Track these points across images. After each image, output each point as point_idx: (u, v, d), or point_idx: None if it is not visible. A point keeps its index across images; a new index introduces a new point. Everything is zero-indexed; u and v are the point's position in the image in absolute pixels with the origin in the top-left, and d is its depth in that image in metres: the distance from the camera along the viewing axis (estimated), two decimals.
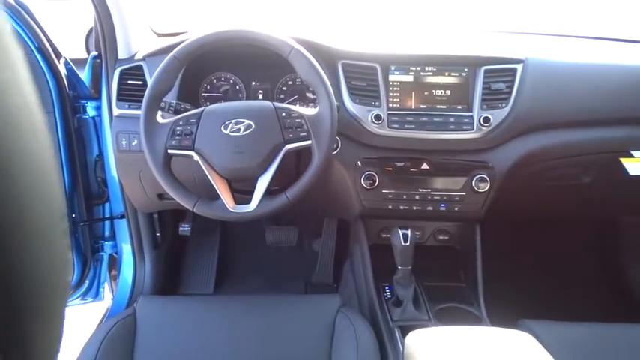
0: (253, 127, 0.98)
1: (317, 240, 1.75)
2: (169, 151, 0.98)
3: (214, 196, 0.99)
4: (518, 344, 0.70)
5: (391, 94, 1.19)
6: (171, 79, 0.98)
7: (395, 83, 1.20)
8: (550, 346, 0.93)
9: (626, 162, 1.20)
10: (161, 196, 1.32)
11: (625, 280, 1.56)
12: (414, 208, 1.18)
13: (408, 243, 1.10)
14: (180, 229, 1.57)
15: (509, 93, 1.17)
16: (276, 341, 0.94)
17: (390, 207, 1.19)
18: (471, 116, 1.16)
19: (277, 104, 1.01)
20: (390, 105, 1.18)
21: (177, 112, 1.10)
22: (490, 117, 1.15)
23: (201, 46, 0.98)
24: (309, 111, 1.01)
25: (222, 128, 0.98)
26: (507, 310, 1.04)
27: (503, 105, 1.16)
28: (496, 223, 1.27)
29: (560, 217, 1.46)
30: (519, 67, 1.19)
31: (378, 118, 1.15)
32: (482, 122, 1.15)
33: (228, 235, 1.80)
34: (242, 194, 1.03)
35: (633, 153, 1.22)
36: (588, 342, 0.97)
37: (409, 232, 1.11)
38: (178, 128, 0.99)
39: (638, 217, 1.51)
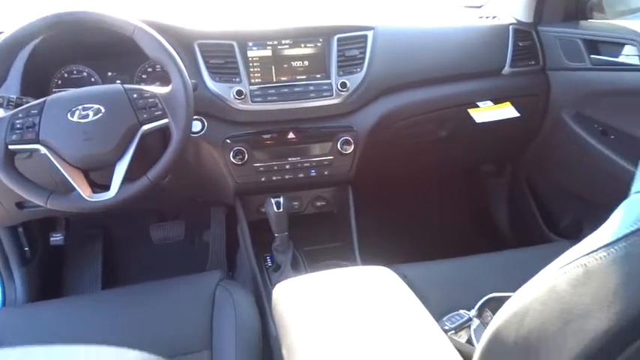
0: (103, 111, 0.95)
1: (207, 231, 1.73)
2: (10, 147, 0.92)
3: (70, 189, 0.94)
4: (376, 278, 0.75)
5: (251, 69, 1.21)
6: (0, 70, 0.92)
7: (254, 59, 1.22)
8: (414, 281, 1.00)
9: (472, 112, 1.33)
10: (20, 204, 1.22)
11: (492, 222, 1.73)
12: (287, 177, 1.22)
13: (281, 210, 1.14)
14: (52, 239, 1.47)
15: (363, 59, 1.25)
16: (155, 326, 0.92)
17: (262, 179, 1.21)
18: (330, 83, 1.22)
19: (127, 86, 0.99)
20: (252, 80, 1.20)
21: (18, 107, 1.03)
22: (347, 82, 1.21)
23: (30, 32, 0.92)
24: (162, 89, 0.99)
25: (68, 116, 0.94)
26: (382, 261, 1.11)
27: (358, 70, 1.24)
28: (368, 183, 1.35)
29: (428, 171, 1.58)
30: (370, 34, 1.26)
31: (240, 93, 1.16)
32: (340, 88, 1.21)
33: (112, 239, 1.72)
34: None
35: (478, 103, 1.35)
36: (452, 274, 1.06)
37: (281, 200, 1.15)
38: (18, 121, 0.92)
39: (493, 165, 1.69)
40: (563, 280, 0.42)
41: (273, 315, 0.71)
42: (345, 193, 1.31)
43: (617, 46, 1.19)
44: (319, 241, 1.35)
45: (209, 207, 1.67)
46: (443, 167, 1.61)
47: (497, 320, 0.53)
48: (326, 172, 1.25)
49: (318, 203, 1.34)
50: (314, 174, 1.24)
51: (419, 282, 1.01)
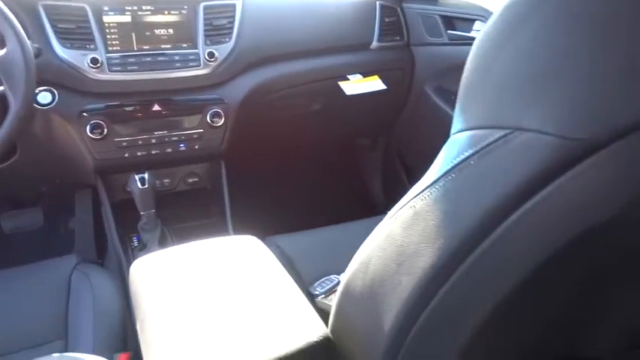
0: None
1: (72, 217, 1.58)
2: None
3: None
4: (239, 247, 0.73)
5: (109, 36, 1.11)
6: None
7: (111, 24, 1.12)
8: (287, 251, 1.01)
9: (343, 84, 1.36)
10: None
11: (367, 193, 1.80)
12: (153, 152, 1.15)
13: (145, 186, 1.07)
14: None
15: (231, 28, 1.21)
16: (5, 319, 0.82)
17: (126, 155, 1.13)
18: (197, 53, 1.16)
19: None
20: (110, 48, 1.11)
21: None
22: (215, 52, 1.17)
23: None
24: None
25: None
26: (257, 234, 1.09)
27: (227, 40, 1.20)
28: (243, 157, 1.32)
29: (303, 144, 1.60)
30: (238, 3, 1.23)
31: (95, 61, 1.07)
32: (207, 57, 1.16)
33: None
34: None
35: (349, 76, 1.39)
36: (325, 241, 1.08)
37: (146, 176, 1.08)
38: None
39: (368, 138, 1.76)
40: (397, 224, 0.44)
41: (130, 292, 0.67)
42: (218, 167, 1.27)
43: (469, 22, 1.29)
44: (191, 218, 1.30)
45: (73, 190, 1.53)
46: (318, 140, 1.64)
47: (347, 274, 0.55)
48: (196, 147, 1.20)
49: (191, 180, 1.29)
50: (183, 148, 1.18)
51: (292, 251, 1.02)
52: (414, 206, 0.42)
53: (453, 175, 0.37)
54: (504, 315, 0.39)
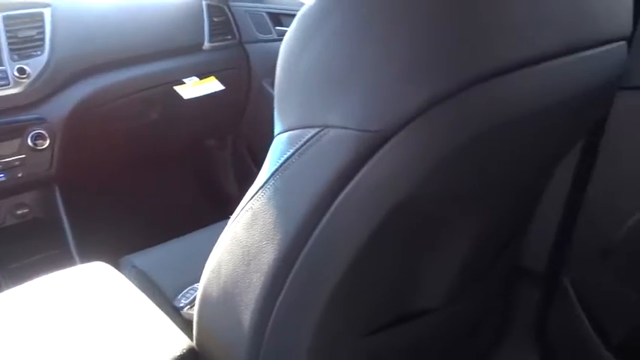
0: None
1: None
2: None
3: None
4: (87, 276, 0.69)
5: None
6: None
7: None
8: (145, 268, 0.97)
9: (179, 89, 1.33)
10: None
11: (224, 194, 1.80)
12: None
13: None
14: None
15: (43, 40, 1.10)
16: None
17: None
18: (3, 70, 1.04)
19: None
20: None
21: None
22: (26, 67, 1.06)
23: None
24: None
25: None
26: (110, 257, 1.03)
27: (39, 53, 1.09)
28: (81, 178, 1.23)
29: (148, 154, 1.54)
30: (47, 11, 1.12)
31: None
32: (17, 74, 1.05)
33: None
34: None
35: (184, 80, 1.36)
36: (185, 251, 1.06)
37: None
38: None
39: (215, 139, 1.75)
40: (239, 226, 0.46)
41: None
42: (52, 193, 1.16)
43: (294, 17, 1.35)
44: (29, 253, 1.17)
45: None
46: (164, 148, 1.59)
47: (202, 282, 0.56)
48: (19, 174, 1.08)
49: (20, 211, 1.16)
50: (3, 178, 1.06)
51: (150, 267, 0.99)
52: (252, 207, 0.44)
53: (280, 174, 0.41)
54: (347, 289, 0.44)
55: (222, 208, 1.81)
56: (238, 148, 1.77)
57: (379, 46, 0.34)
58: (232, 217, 0.49)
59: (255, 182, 0.45)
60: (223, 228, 1.25)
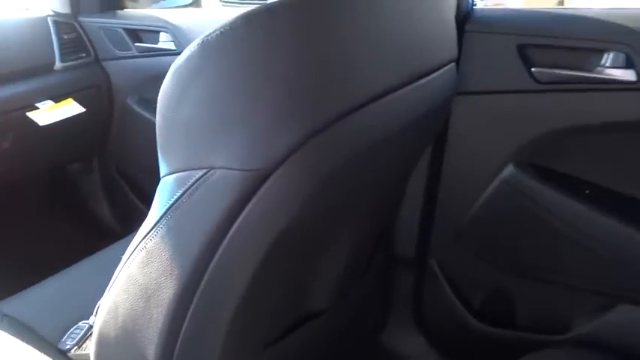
0: None
1: None
2: None
3: None
4: None
5: None
6: None
7: None
8: (20, 316, 0.91)
9: (33, 115, 1.24)
10: None
11: (96, 220, 1.71)
12: None
13: None
14: None
15: None
16: None
17: None
18: None
19: None
20: None
21: None
22: None
23: None
24: None
25: None
26: None
27: None
28: None
29: (4, 189, 1.41)
30: None
31: None
32: None
33: None
34: None
35: (38, 105, 1.27)
36: (62, 289, 1.01)
37: None
38: None
39: (80, 163, 1.65)
40: (134, 265, 0.48)
41: None
42: None
43: (154, 33, 1.33)
44: None
45: None
46: (21, 179, 1.46)
47: (97, 323, 0.56)
48: None
49: None
50: None
51: (25, 312, 0.92)
52: (146, 247, 0.46)
53: (172, 213, 0.44)
54: (247, 310, 0.48)
55: (97, 236, 1.72)
56: (106, 170, 1.69)
57: (250, 97, 0.39)
58: (125, 256, 0.50)
59: (145, 222, 0.47)
60: (101, 258, 1.21)
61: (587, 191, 0.78)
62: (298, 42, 0.39)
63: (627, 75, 0.69)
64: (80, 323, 0.91)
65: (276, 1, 0.38)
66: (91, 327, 0.91)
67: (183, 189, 0.42)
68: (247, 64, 0.39)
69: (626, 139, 0.74)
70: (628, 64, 0.69)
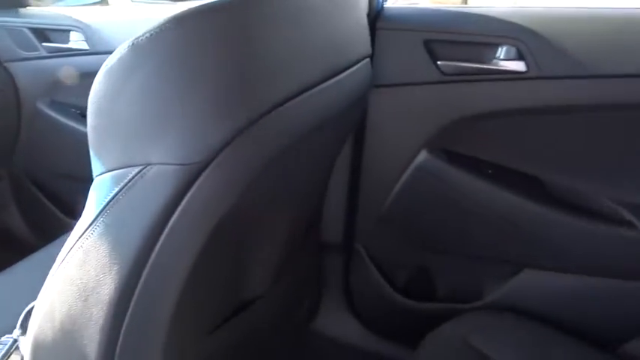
0: None
1: None
2: None
3: None
4: None
5: None
6: None
7: None
8: None
9: None
10: None
11: (8, 231, 1.62)
12: None
13: None
14: None
15: None
16: None
17: None
18: None
19: None
20: None
21: None
22: None
23: None
24: None
25: None
26: None
27: None
28: None
29: None
30: None
31: None
32: None
33: None
34: None
35: None
36: None
37: None
38: None
39: None
40: (71, 265, 0.49)
41: None
42: None
43: (64, 32, 1.29)
44: None
45: None
46: None
47: (33, 328, 0.56)
48: None
49: None
50: None
51: None
52: (82, 246, 0.47)
53: (109, 211, 0.45)
54: (189, 299, 0.50)
55: (9, 249, 1.62)
56: (17, 178, 1.60)
57: (183, 96, 0.41)
58: (59, 258, 0.51)
59: (79, 222, 0.48)
60: (20, 269, 1.17)
61: (490, 171, 0.87)
62: (225, 43, 0.42)
63: (519, 66, 0.79)
64: (3, 338, 0.88)
65: (203, 5, 0.41)
66: (16, 340, 0.88)
67: (120, 186, 0.44)
68: (178, 65, 0.41)
69: (520, 123, 0.84)
70: (519, 57, 0.79)
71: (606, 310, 0.89)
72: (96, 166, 0.46)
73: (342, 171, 0.93)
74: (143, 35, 0.40)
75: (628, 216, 0.82)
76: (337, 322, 1.09)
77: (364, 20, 0.71)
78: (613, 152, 0.84)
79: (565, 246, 0.86)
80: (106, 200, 0.45)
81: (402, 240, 0.98)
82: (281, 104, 0.46)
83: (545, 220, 0.85)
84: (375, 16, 0.84)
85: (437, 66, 0.82)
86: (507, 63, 0.79)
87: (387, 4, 0.88)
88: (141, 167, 0.43)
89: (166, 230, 0.44)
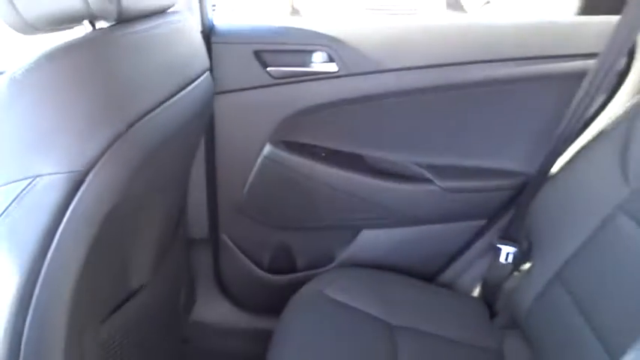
0: None
1: None
2: None
3: None
4: None
5: None
6: None
7: None
8: None
9: None
10: None
11: None
12: None
13: None
14: None
15: None
16: None
17: None
18: None
19: None
20: None
21: None
22: None
23: None
24: None
25: None
26: None
27: None
28: None
29: None
30: None
31: None
32: None
33: None
34: None
35: None
36: None
37: None
38: None
39: None
40: None
41: None
42: None
43: None
44: None
45: None
46: None
47: None
48: None
49: None
50: None
51: None
52: None
53: (1, 222, 0.53)
54: (83, 290, 0.59)
55: None
56: None
57: (61, 118, 0.52)
58: None
59: None
60: None
61: (324, 154, 1.08)
62: (90, 73, 0.53)
63: (331, 67, 1.00)
64: None
65: (68, 42, 0.52)
66: None
67: (12, 199, 0.52)
68: (53, 94, 0.51)
69: (340, 112, 1.06)
70: (330, 60, 0.99)
71: (424, 251, 1.16)
72: None
73: (200, 171, 1.06)
74: (19, 70, 0.50)
75: (427, 174, 1.08)
76: (213, 308, 1.21)
77: (199, 39, 0.85)
78: (411, 127, 1.09)
79: (389, 206, 1.10)
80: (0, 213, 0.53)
81: (261, 224, 1.14)
82: (142, 117, 0.58)
83: (371, 188, 1.08)
84: (209, 32, 0.98)
85: (267, 71, 0.99)
86: (322, 65, 0.99)
87: (216, 20, 1.03)
88: (31, 179, 0.52)
89: (58, 232, 0.53)
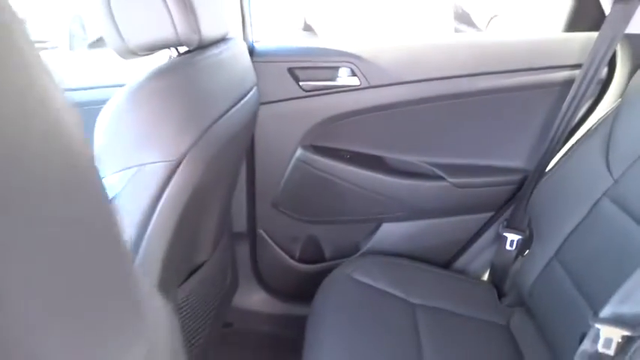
0: None
1: None
2: None
3: None
4: None
5: None
6: None
7: None
8: None
9: None
10: None
11: None
12: None
13: None
14: None
15: None
16: None
17: None
18: None
19: None
20: None
21: None
22: None
23: None
24: None
25: None
26: None
27: None
28: None
29: None
30: None
31: None
32: None
33: None
34: None
35: None
36: None
37: None
38: None
39: None
40: None
41: None
42: None
43: None
44: None
45: None
46: None
47: None
48: None
49: None
50: None
51: None
52: None
53: (120, 199, 0.70)
54: (170, 255, 0.76)
55: None
56: None
57: (161, 122, 0.69)
58: None
59: None
60: None
61: (348, 156, 1.25)
62: (181, 88, 0.71)
63: (354, 81, 1.17)
64: None
65: (166, 64, 0.70)
66: None
67: (124, 183, 0.69)
68: (156, 103, 0.69)
69: (362, 120, 1.23)
70: (353, 74, 1.17)
71: (437, 241, 1.32)
72: (101, 171, 0.71)
73: (241, 172, 1.23)
74: (134, 84, 0.68)
75: (439, 173, 1.24)
76: (251, 296, 1.38)
77: (249, 59, 1.03)
78: (425, 131, 1.26)
79: (406, 201, 1.26)
80: (112, 197, 0.70)
81: (294, 218, 1.31)
82: (214, 123, 0.76)
83: (389, 185, 1.24)
84: (250, 52, 1.16)
85: (299, 85, 1.17)
86: (346, 79, 1.17)
87: (256, 42, 1.21)
88: (137, 168, 0.69)
89: (159, 206, 0.71)
